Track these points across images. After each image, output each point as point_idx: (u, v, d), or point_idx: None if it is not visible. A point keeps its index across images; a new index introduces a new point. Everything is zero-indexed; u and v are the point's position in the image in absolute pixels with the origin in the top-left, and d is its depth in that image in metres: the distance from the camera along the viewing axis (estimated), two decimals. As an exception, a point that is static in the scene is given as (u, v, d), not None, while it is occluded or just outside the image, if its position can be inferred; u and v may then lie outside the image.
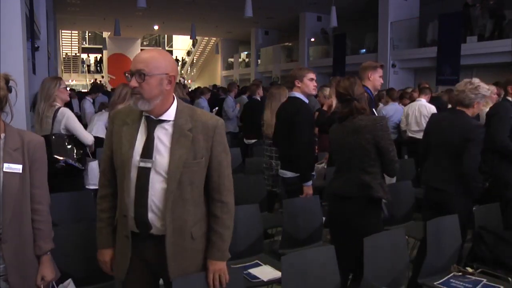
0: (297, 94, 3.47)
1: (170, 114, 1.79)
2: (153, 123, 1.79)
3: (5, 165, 1.73)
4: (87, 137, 3.66)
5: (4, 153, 1.74)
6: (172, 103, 1.81)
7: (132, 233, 1.83)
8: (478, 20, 10.83)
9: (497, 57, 9.93)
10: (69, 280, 2.07)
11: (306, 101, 3.48)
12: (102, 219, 1.93)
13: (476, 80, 3.06)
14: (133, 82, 1.70)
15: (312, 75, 3.47)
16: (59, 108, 3.56)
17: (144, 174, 1.75)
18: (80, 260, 2.49)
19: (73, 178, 3.62)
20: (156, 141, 1.77)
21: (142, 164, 1.76)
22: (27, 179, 1.79)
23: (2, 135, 1.76)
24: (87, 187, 3.73)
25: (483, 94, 3.01)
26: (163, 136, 1.78)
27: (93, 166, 3.79)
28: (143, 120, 1.81)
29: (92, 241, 2.52)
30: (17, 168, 1.75)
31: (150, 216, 1.78)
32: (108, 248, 1.94)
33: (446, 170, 3.04)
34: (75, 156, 3.55)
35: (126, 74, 1.75)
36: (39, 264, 1.88)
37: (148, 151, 1.76)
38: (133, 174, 1.77)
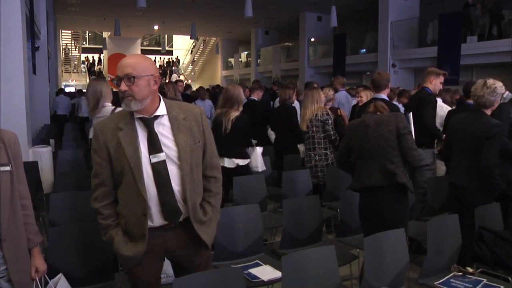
0: (385, 96, 4.10)
1: (162, 110, 1.93)
2: (149, 121, 1.90)
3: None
4: None
5: None
6: (160, 100, 1.95)
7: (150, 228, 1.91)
8: (478, 20, 10.84)
9: (497, 57, 9.93)
10: (60, 274, 2.09)
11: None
12: (113, 225, 1.96)
13: (490, 82, 3.19)
14: (123, 86, 1.83)
15: None
16: None
17: (161, 167, 1.87)
18: (80, 260, 2.49)
19: None
20: (159, 136, 1.89)
21: (155, 160, 1.86)
22: (15, 176, 1.81)
23: None
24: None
25: (501, 93, 3.21)
26: (163, 130, 1.91)
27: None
28: (136, 121, 1.90)
29: (91, 241, 2.53)
30: (7, 166, 1.77)
31: (179, 203, 1.91)
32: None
33: (468, 167, 3.21)
34: None
35: (114, 81, 1.87)
36: (30, 257, 1.92)
37: (155, 147, 1.88)
38: (148, 171, 1.86)
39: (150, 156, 1.86)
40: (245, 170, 4.12)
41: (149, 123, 1.89)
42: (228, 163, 4.00)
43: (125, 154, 1.84)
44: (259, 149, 4.25)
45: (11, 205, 1.79)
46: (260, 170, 4.23)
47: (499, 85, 3.19)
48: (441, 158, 4.45)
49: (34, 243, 1.93)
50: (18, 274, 1.82)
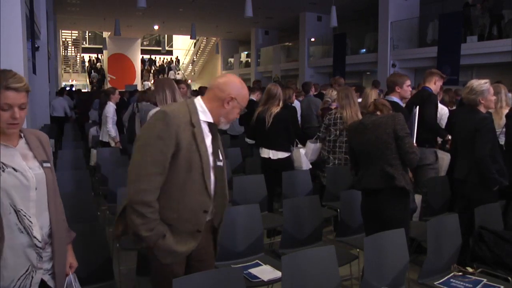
0: (395, 98, 3.90)
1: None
2: (215, 127, 2.01)
3: (43, 161, 1.77)
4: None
5: (34, 151, 1.78)
6: None
7: None
8: (478, 20, 10.84)
9: (497, 57, 9.94)
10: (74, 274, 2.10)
11: (403, 105, 3.99)
12: (159, 220, 1.91)
13: (469, 83, 3.32)
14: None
15: (409, 82, 3.96)
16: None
17: (221, 172, 2.01)
18: (80, 260, 2.48)
19: None
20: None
21: (219, 163, 1.99)
22: (54, 173, 1.86)
23: (22, 134, 1.79)
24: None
25: (481, 90, 3.25)
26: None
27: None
28: (202, 124, 1.95)
29: (91, 241, 2.53)
30: (48, 162, 1.81)
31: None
32: None
33: (468, 162, 3.27)
34: None
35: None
36: None
37: (217, 152, 2.00)
38: (212, 173, 1.96)
39: (216, 160, 1.96)
40: (287, 163, 4.36)
41: (214, 129, 1.99)
42: (273, 154, 4.32)
43: (198, 151, 1.89)
44: (302, 150, 4.55)
45: (54, 200, 1.82)
46: (304, 168, 4.50)
47: (477, 83, 3.26)
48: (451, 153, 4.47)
49: (69, 239, 1.96)
50: (60, 268, 1.83)
